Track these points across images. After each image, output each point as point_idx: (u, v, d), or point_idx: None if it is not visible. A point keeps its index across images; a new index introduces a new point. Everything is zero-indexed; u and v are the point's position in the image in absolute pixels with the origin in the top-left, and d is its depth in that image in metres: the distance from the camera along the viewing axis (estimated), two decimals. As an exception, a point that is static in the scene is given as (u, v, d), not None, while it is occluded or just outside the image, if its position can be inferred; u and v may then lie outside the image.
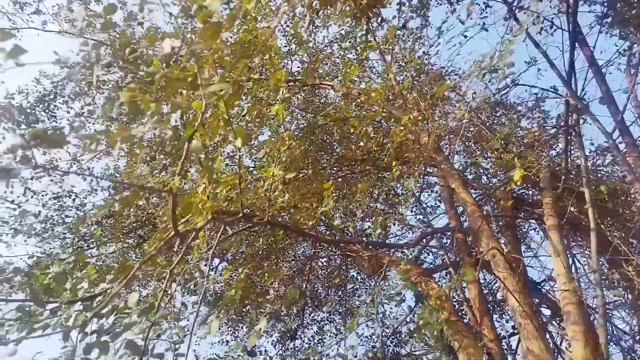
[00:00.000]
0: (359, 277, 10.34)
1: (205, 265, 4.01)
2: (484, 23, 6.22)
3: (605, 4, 5.93)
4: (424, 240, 7.17)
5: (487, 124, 6.65)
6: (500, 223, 7.46)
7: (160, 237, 4.80)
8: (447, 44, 9.29)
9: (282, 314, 10.04)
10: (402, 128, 6.56)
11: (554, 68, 5.68)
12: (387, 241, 8.31)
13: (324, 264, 10.45)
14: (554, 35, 6.63)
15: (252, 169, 6.48)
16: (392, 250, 7.85)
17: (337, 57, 8.98)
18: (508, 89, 6.22)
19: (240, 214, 3.87)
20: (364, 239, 6.16)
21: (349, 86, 8.17)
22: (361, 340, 9.89)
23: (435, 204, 9.77)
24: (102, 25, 2.00)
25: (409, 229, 8.87)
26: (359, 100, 7.65)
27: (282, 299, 9.31)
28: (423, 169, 6.15)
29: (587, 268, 7.62)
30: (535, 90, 7.49)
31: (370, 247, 6.21)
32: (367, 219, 6.66)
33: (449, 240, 7.74)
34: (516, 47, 4.89)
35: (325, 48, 8.37)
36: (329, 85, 8.70)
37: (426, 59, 7.09)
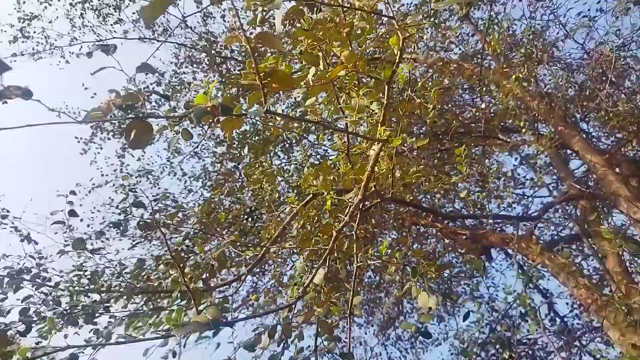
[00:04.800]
0: (457, 261, 9.78)
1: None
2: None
3: None
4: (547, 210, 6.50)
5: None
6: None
7: (275, 224, 4.60)
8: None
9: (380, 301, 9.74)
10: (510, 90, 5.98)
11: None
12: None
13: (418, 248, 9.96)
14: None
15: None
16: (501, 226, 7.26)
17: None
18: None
19: (373, 190, 3.55)
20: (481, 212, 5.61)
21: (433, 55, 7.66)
22: (468, 325, 9.33)
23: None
24: None
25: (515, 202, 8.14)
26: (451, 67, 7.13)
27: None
28: (553, 132, 5.51)
29: None
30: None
31: (489, 221, 5.67)
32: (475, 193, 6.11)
33: (573, 209, 6.98)
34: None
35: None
36: (412, 58, 8.21)
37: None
